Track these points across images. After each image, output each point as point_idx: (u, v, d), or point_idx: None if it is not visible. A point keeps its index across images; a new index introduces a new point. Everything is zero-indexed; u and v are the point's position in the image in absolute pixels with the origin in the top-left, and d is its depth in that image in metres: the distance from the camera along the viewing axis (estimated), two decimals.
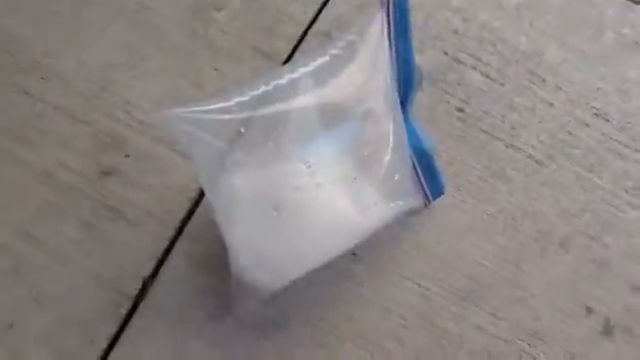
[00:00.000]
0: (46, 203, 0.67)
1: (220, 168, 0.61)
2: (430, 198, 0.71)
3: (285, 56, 0.79)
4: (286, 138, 0.61)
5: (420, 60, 0.80)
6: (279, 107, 0.61)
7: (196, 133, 0.59)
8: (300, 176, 0.61)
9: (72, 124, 0.71)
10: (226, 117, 0.60)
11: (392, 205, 0.66)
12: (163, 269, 0.66)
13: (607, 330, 0.70)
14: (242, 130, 0.60)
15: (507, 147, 0.76)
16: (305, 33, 0.82)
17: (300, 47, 0.80)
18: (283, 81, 0.62)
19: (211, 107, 0.60)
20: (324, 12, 0.83)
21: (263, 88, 0.61)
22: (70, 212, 0.67)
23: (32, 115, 0.71)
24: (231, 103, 0.60)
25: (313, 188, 0.61)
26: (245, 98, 0.61)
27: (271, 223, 0.62)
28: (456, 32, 0.83)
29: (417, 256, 0.70)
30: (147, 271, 0.66)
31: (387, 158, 0.64)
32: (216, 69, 0.77)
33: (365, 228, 0.64)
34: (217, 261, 0.67)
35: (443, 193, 0.72)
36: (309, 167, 0.61)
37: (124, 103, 0.73)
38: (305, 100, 0.63)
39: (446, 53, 0.82)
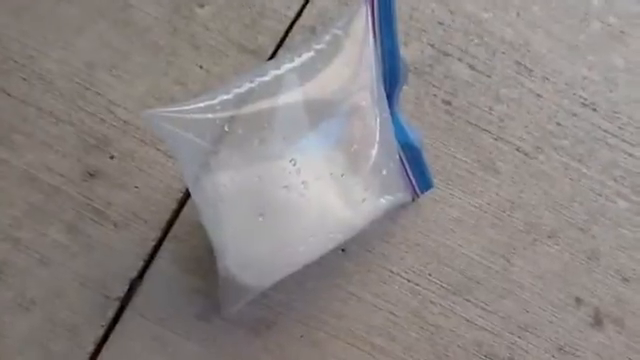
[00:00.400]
0: (30, 206, 0.66)
1: (205, 168, 0.61)
2: (418, 192, 0.71)
3: (270, 52, 0.79)
4: (271, 136, 0.61)
5: (406, 53, 0.79)
6: (264, 104, 0.61)
7: (180, 133, 0.58)
8: (286, 174, 0.60)
9: (55, 125, 0.70)
10: (210, 116, 0.59)
11: (381, 200, 0.66)
12: (150, 271, 0.65)
13: (597, 321, 0.69)
14: (226, 129, 0.60)
15: (495, 139, 0.75)
16: (289, 28, 0.81)
17: (285, 43, 0.80)
18: (267, 78, 0.62)
19: (195, 106, 0.59)
20: (308, 7, 0.82)
21: (247, 85, 0.61)
22: (55, 215, 0.66)
23: (14, 117, 0.70)
24: (215, 102, 0.59)
25: (300, 186, 0.60)
26: (229, 96, 0.60)
27: (258, 222, 0.61)
28: (442, 24, 0.83)
29: (406, 251, 0.70)
30: (133, 273, 0.65)
31: (374, 153, 0.64)
32: (200, 66, 0.76)
33: (354, 224, 0.64)
34: (204, 262, 0.66)
35: (432, 187, 0.71)
36: (295, 165, 0.60)
37: (107, 103, 0.72)
38: (290, 97, 0.62)
39: (432, 45, 0.81)
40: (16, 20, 0.76)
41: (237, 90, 0.60)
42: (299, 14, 0.82)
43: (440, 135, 0.75)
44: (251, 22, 0.80)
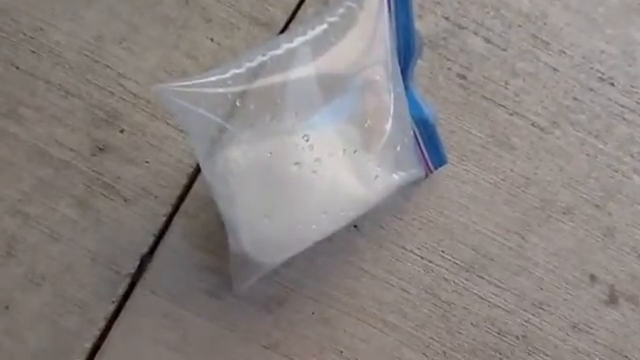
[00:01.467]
0: (39, 180, 0.66)
1: (216, 143, 0.60)
2: (432, 168, 0.70)
3: (282, 25, 0.77)
4: (284, 111, 0.60)
5: (420, 26, 0.78)
6: (276, 79, 0.60)
7: (191, 107, 0.57)
8: (299, 150, 0.59)
9: (64, 98, 0.69)
10: (221, 90, 0.58)
11: (394, 176, 0.65)
12: (160, 247, 0.65)
13: (612, 299, 0.69)
14: (238, 104, 0.59)
15: (510, 114, 0.74)
16: (302, 1, 0.79)
17: (297, 15, 0.78)
18: (280, 51, 0.60)
19: (206, 80, 0.58)
20: None
21: (259, 59, 0.60)
22: (64, 189, 0.66)
23: (23, 90, 0.69)
24: (226, 75, 0.58)
25: (313, 162, 0.59)
26: (241, 70, 0.59)
27: (270, 198, 0.60)
28: None
29: (419, 228, 0.69)
30: (144, 249, 0.65)
31: (388, 128, 0.63)
32: (211, 39, 0.75)
33: (367, 201, 0.63)
34: (215, 238, 0.66)
35: (445, 163, 0.71)
36: (308, 141, 0.59)
37: (117, 76, 0.71)
38: (303, 71, 0.61)
39: (447, 18, 0.80)
40: None
41: (249, 64, 0.59)
42: None
43: (455, 110, 0.74)
44: None
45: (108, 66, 0.72)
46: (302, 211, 0.61)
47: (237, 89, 0.58)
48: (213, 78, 0.58)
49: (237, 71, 0.59)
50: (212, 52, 0.74)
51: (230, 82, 0.58)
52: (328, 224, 0.62)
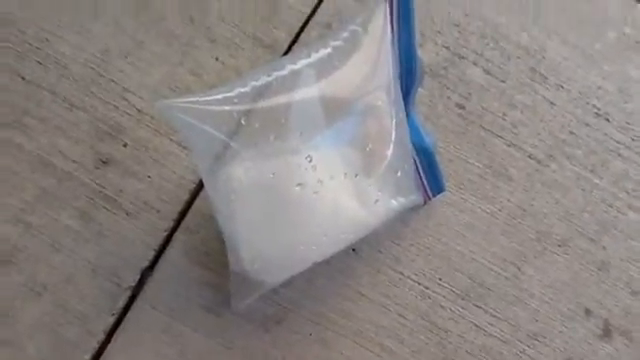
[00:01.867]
0: (42, 191, 0.66)
1: (220, 160, 0.60)
2: (430, 195, 0.71)
3: (285, 46, 0.78)
4: (288, 131, 0.60)
5: (421, 54, 0.79)
6: (280, 99, 0.60)
7: (196, 124, 0.57)
8: (302, 171, 0.60)
9: (69, 111, 0.69)
10: (227, 108, 0.59)
11: (393, 202, 0.65)
12: (161, 261, 0.65)
13: (606, 333, 0.70)
14: (243, 122, 0.59)
15: (508, 145, 0.75)
16: (305, 24, 0.80)
17: (300, 38, 0.79)
18: (284, 72, 0.61)
19: (211, 98, 0.58)
20: (324, 3, 0.82)
21: (265, 79, 0.60)
22: (67, 201, 0.66)
23: (28, 101, 0.69)
24: (232, 94, 0.59)
25: (315, 183, 0.60)
26: (246, 89, 0.60)
27: (272, 217, 0.61)
28: (457, 26, 0.83)
29: (417, 254, 0.70)
30: (145, 262, 0.65)
31: (389, 153, 0.63)
32: (215, 58, 0.76)
33: (366, 224, 0.64)
34: (215, 254, 0.66)
35: (443, 190, 0.71)
36: (311, 162, 0.60)
37: (122, 90, 0.72)
38: (306, 92, 0.61)
39: (447, 47, 0.81)
40: (32, 3, 0.75)
41: (254, 83, 0.60)
42: (315, 10, 0.82)
43: (453, 139, 0.75)
44: (267, 16, 0.80)
45: (113, 80, 0.72)
46: (303, 232, 0.61)
47: (242, 107, 0.59)
48: (219, 96, 0.58)
49: (242, 90, 0.60)
50: (216, 71, 0.75)
51: (236, 100, 0.59)
52: (328, 245, 0.63)
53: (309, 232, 0.61)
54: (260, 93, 0.60)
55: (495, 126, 0.76)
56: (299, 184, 0.60)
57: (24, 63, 0.71)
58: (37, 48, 0.72)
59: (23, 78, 0.70)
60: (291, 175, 0.60)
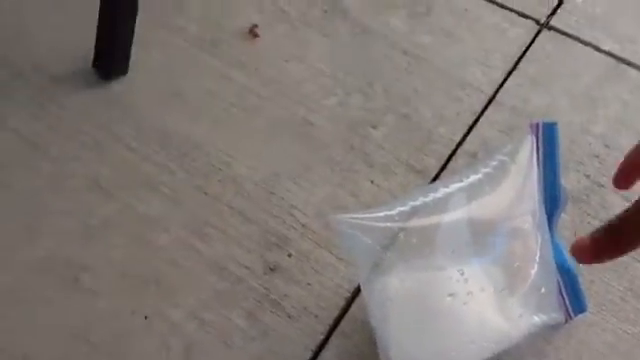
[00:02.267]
0: (216, 292, 0.74)
1: (377, 270, 0.67)
2: (572, 314, 0.74)
3: (434, 173, 0.86)
4: (440, 246, 0.67)
5: (564, 182, 0.84)
6: (435, 218, 0.67)
7: (360, 237, 0.65)
8: (453, 283, 0.66)
9: (243, 223, 0.79)
10: (389, 224, 0.66)
11: (536, 318, 0.69)
12: None
13: None
14: (402, 237, 0.66)
15: None
16: (454, 152, 0.88)
17: (448, 165, 0.87)
18: (439, 194, 0.68)
19: (374, 215, 0.66)
20: (472, 134, 0.90)
21: (421, 199, 0.67)
22: (237, 302, 0.74)
23: (209, 213, 0.79)
24: (393, 212, 0.66)
25: (464, 295, 0.66)
26: (405, 208, 0.67)
27: (422, 324, 0.66)
28: (597, 156, 0.88)
29: None
30: None
31: (533, 272, 0.68)
32: (371, 181, 0.84)
33: (510, 337, 0.68)
34: (368, 359, 0.71)
35: (585, 310, 0.74)
36: (462, 274, 0.66)
37: (289, 207, 0.81)
38: (457, 214, 0.68)
39: (588, 176, 0.86)
40: (215, 130, 0.86)
41: (412, 203, 0.67)
42: (463, 140, 0.89)
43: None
44: (419, 145, 0.88)
45: (281, 197, 0.81)
46: (452, 339, 0.66)
47: (401, 225, 0.66)
48: (381, 214, 0.66)
49: (402, 209, 0.67)
50: (372, 193, 0.83)
51: (396, 218, 0.66)
52: (474, 354, 0.67)
53: (457, 340, 0.67)
54: (417, 212, 0.67)
55: (636, 250, 0.79)
56: (450, 294, 0.66)
57: (207, 181, 0.82)
58: (218, 169, 0.83)
59: (206, 193, 0.81)
60: (443, 286, 0.66)
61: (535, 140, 0.69)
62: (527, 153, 0.70)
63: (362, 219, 0.65)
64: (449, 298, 0.66)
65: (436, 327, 0.66)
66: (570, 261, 0.73)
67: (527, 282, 0.68)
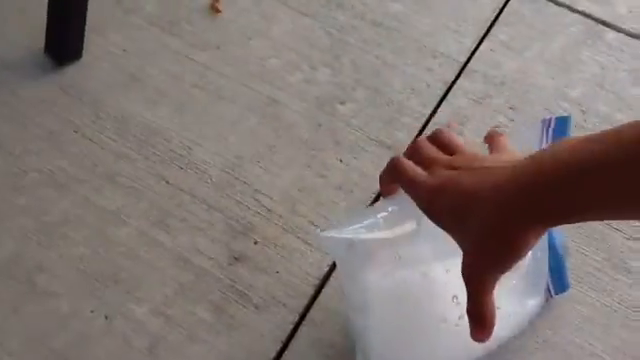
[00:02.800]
0: (180, 285, 0.72)
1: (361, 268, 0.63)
2: (552, 294, 0.72)
3: (405, 148, 0.83)
4: (421, 243, 0.63)
5: None
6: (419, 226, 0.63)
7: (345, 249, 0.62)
8: (447, 309, 0.63)
9: (206, 211, 0.76)
10: (376, 235, 0.62)
11: (524, 310, 0.68)
12: (287, 353, 0.69)
13: None
14: (397, 256, 0.63)
15: (627, 239, 0.76)
16: (425, 125, 0.85)
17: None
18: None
19: (359, 226, 0.62)
20: (443, 105, 0.87)
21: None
22: (203, 295, 0.72)
23: (171, 202, 0.77)
24: (378, 219, 0.62)
25: (456, 319, 0.62)
26: (391, 214, 0.63)
27: (408, 340, 0.64)
28: (575, 124, 0.85)
29: (536, 347, 0.71)
30: (272, 354, 0.69)
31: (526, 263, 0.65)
32: (340, 160, 0.81)
33: (499, 338, 0.66)
34: (339, 347, 0.70)
35: (567, 290, 0.72)
36: (455, 300, 0.62)
37: (253, 192, 0.78)
38: None
39: None
40: (176, 115, 0.83)
41: (393, 208, 0.63)
42: (434, 112, 0.86)
43: (572, 233, 0.76)
44: (390, 119, 0.85)
45: (245, 182, 0.79)
46: (436, 355, 0.64)
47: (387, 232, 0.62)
48: (367, 222, 0.62)
49: (388, 215, 0.63)
50: (341, 173, 0.80)
51: (382, 226, 0.62)
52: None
53: (443, 356, 0.65)
54: (402, 218, 0.63)
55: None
56: (442, 321, 0.63)
57: (168, 169, 0.79)
58: (180, 155, 0.80)
59: (167, 182, 0.78)
60: (436, 312, 0.63)
61: (545, 136, 0.66)
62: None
63: (351, 232, 0.62)
64: (441, 324, 0.63)
65: (423, 342, 0.64)
66: (558, 239, 0.71)
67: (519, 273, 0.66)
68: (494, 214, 0.51)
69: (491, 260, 0.53)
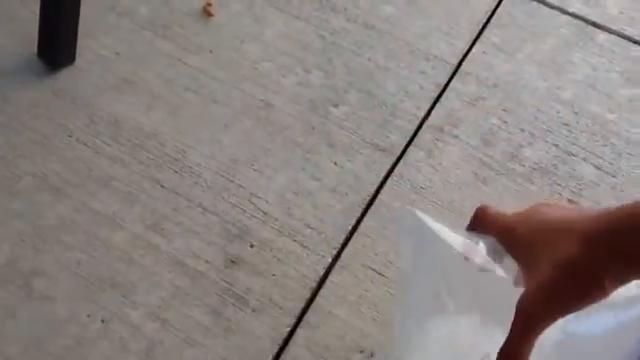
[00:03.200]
0: (177, 289, 0.72)
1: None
2: None
3: (400, 150, 0.83)
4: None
5: (531, 152, 0.82)
6: None
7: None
8: None
9: (202, 215, 0.76)
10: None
11: None
12: (284, 355, 0.69)
13: None
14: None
15: None
16: (419, 128, 0.85)
17: (414, 141, 0.84)
18: None
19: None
20: (437, 107, 0.87)
21: None
22: (199, 298, 0.71)
23: (166, 206, 0.77)
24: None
25: None
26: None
27: None
28: (567, 125, 0.86)
29: None
30: (269, 357, 0.69)
31: None
32: (334, 163, 0.81)
33: None
34: (335, 348, 0.70)
35: None
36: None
37: (249, 195, 0.78)
38: None
39: (557, 145, 0.84)
40: (170, 118, 0.83)
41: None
42: (428, 114, 0.86)
43: None
44: (383, 121, 0.85)
45: (241, 185, 0.79)
46: None
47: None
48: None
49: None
50: (335, 175, 0.80)
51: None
52: None
53: None
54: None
55: None
56: None
57: (163, 172, 0.79)
58: (174, 159, 0.80)
59: (162, 186, 0.78)
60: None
61: None
62: None
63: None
64: None
65: None
66: None
67: None
68: (578, 245, 0.49)
69: (558, 295, 0.51)
